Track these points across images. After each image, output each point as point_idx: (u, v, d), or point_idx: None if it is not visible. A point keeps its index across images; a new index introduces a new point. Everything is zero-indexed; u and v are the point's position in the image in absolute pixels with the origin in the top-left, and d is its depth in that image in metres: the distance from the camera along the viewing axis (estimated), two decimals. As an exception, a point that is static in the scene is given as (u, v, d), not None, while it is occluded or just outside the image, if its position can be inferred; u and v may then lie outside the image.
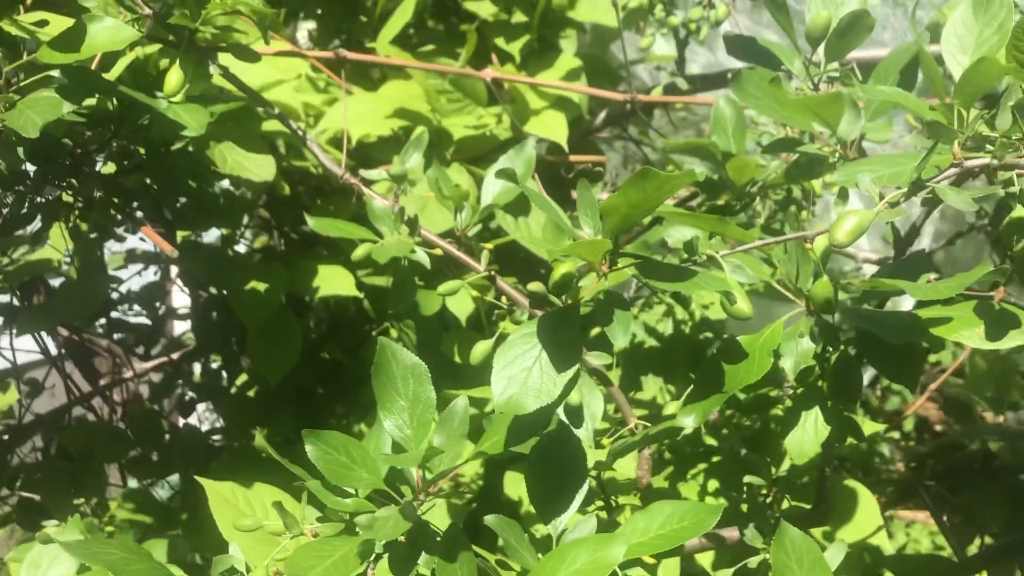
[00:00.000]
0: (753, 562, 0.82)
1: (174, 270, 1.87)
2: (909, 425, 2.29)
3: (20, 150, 0.87)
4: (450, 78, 1.36)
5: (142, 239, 1.73)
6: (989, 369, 1.29)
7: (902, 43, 1.46)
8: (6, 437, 1.65)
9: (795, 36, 0.85)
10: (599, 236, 0.72)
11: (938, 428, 2.51)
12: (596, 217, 0.73)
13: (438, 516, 1.24)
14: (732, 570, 0.82)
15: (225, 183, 1.51)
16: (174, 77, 0.90)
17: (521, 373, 0.68)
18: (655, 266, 0.68)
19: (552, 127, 1.38)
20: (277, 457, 0.76)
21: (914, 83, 0.79)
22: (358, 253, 0.97)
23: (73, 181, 1.11)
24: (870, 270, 1.32)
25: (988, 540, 1.59)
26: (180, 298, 2.48)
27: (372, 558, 0.75)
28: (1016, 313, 0.67)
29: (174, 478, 1.91)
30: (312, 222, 1.00)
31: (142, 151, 1.08)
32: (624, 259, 0.72)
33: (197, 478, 1.04)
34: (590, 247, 0.64)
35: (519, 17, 1.48)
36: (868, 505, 1.03)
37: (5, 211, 1.33)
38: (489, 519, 0.75)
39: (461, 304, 1.38)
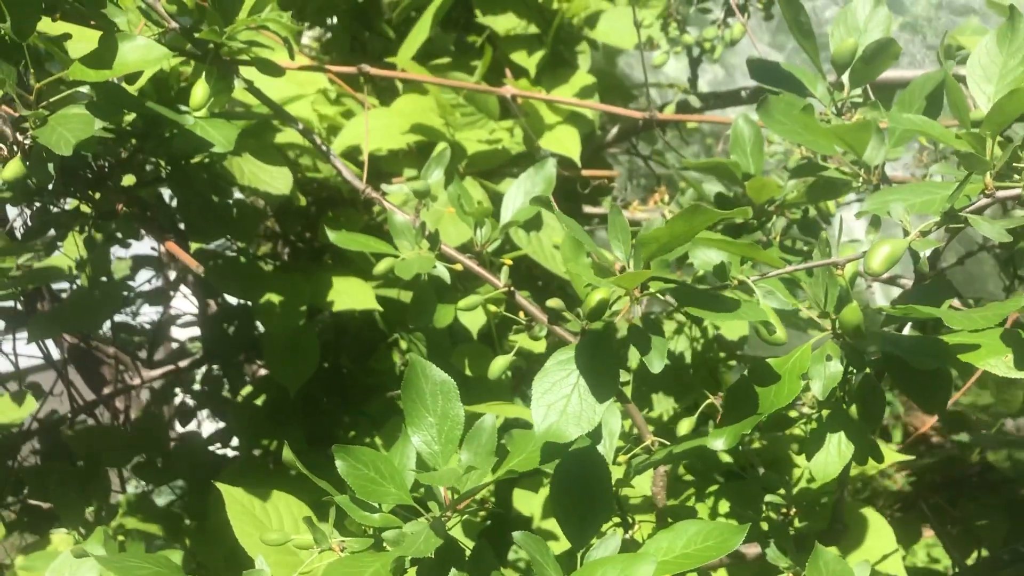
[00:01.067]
0: (776, 581, 0.82)
1: (173, 277, 1.88)
2: (898, 436, 2.30)
3: (50, 166, 0.87)
4: (465, 93, 1.36)
5: (154, 249, 1.74)
6: (993, 379, 1.31)
7: (917, 68, 1.48)
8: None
9: (819, 61, 0.86)
10: (630, 261, 0.73)
11: (935, 440, 2.52)
12: (628, 242, 0.74)
13: (455, 533, 1.24)
14: (754, 589, 0.83)
15: (236, 194, 1.52)
16: (200, 91, 0.90)
17: (560, 400, 0.68)
18: (692, 293, 0.68)
19: (565, 142, 1.39)
20: (304, 471, 0.77)
21: (939, 111, 0.81)
22: (380, 268, 0.97)
23: (93, 194, 1.12)
24: (879, 289, 1.34)
25: (986, 553, 1.60)
26: (180, 305, 2.48)
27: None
28: (1043, 341, 0.69)
29: (174, 483, 1.91)
30: (332, 236, 1.01)
31: (163, 165, 1.08)
32: (655, 283, 0.73)
33: (216, 484, 1.04)
34: (632, 279, 0.65)
35: (533, 30, 1.49)
36: (881, 530, 1.04)
37: (19, 222, 1.34)
38: (517, 536, 0.75)
39: (473, 317, 1.38)
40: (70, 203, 1.25)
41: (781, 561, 0.84)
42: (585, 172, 1.46)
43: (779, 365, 0.73)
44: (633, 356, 1.49)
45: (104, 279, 1.52)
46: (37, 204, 1.14)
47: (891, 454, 1.05)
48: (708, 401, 1.07)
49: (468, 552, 0.76)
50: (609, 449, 0.94)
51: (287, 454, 0.76)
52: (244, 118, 1.00)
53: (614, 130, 1.54)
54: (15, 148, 0.85)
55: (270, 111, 0.95)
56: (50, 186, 1.11)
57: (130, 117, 1.02)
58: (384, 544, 0.74)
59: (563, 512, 0.79)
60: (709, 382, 1.28)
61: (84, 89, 0.88)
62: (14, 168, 0.83)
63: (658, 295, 0.72)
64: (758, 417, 0.69)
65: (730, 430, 0.72)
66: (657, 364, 0.67)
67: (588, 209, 1.51)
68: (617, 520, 1.03)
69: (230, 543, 1.67)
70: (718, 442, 0.72)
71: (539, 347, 1.44)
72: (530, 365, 1.52)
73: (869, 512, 1.04)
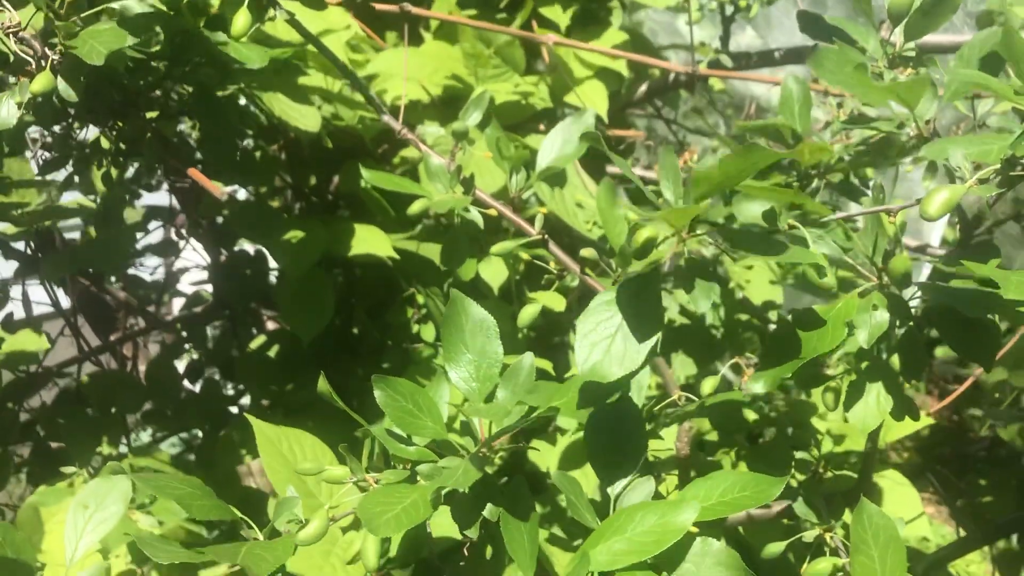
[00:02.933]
0: (808, 536, 0.82)
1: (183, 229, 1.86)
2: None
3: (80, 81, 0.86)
4: (496, 45, 1.35)
5: (169, 190, 1.72)
6: (1008, 352, 1.31)
7: (956, 34, 1.46)
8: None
9: (873, 14, 0.85)
10: (679, 203, 0.72)
11: (939, 420, 2.54)
12: (679, 184, 0.73)
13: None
14: (785, 543, 0.83)
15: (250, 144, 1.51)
16: (241, 19, 0.89)
17: (604, 340, 0.67)
18: (743, 234, 0.67)
19: (593, 97, 1.38)
20: (339, 403, 0.76)
21: (997, 71, 0.79)
22: (415, 207, 0.96)
23: (118, 123, 1.10)
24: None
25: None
26: (189, 258, 2.47)
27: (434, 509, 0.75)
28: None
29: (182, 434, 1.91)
30: (367, 174, 1.00)
31: (189, 91, 1.06)
32: (703, 226, 0.72)
33: (247, 416, 1.03)
34: (680, 214, 0.64)
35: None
36: (904, 494, 1.04)
37: (41, 151, 1.32)
38: (555, 474, 0.75)
39: (495, 272, 1.38)
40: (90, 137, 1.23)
41: (810, 516, 0.83)
42: (611, 131, 1.45)
43: (825, 312, 0.72)
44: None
45: (119, 220, 1.51)
46: (58, 131, 1.13)
47: (924, 418, 1.05)
48: (733, 360, 1.07)
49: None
50: (638, 401, 0.93)
51: (323, 384, 0.75)
52: (277, 46, 0.98)
53: (641, 89, 1.53)
54: (43, 63, 0.84)
55: (303, 43, 0.93)
56: (72, 112, 1.09)
57: (158, 46, 1.00)
58: (419, 478, 0.73)
59: (597, 457, 0.78)
60: (734, 346, 1.28)
61: (116, 5, 0.86)
62: (43, 81, 0.81)
63: (706, 237, 0.72)
64: (799, 361, 0.69)
65: (769, 374, 0.71)
66: (703, 304, 0.66)
67: (611, 169, 1.49)
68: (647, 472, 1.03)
69: (239, 492, 1.67)
70: (756, 385, 0.71)
71: (559, 305, 1.43)
72: (547, 323, 1.52)
73: (893, 475, 1.04)
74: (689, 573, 0.71)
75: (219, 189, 0.97)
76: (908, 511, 1.03)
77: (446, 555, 0.87)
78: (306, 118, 1.16)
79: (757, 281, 1.31)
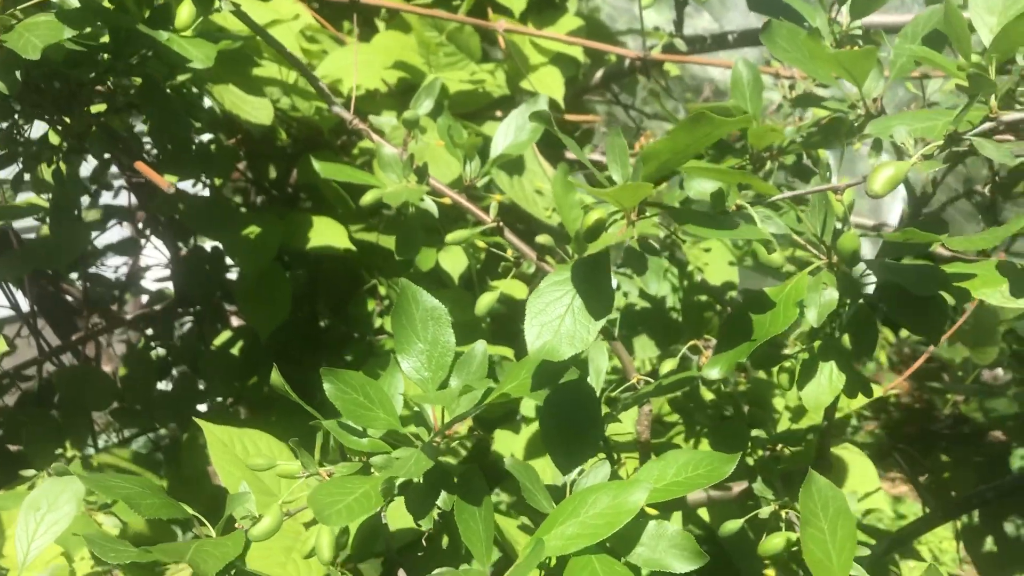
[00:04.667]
0: (764, 512, 0.82)
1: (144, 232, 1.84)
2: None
3: (18, 73, 0.84)
4: (447, 31, 1.34)
5: (127, 187, 1.69)
6: (967, 327, 1.32)
7: (907, 12, 1.47)
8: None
9: (820, -7, 0.85)
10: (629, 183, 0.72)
11: (905, 400, 2.57)
12: (627, 166, 0.72)
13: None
14: (742, 520, 0.83)
15: (207, 136, 1.48)
16: (186, 11, 0.87)
17: (555, 320, 0.67)
18: (690, 213, 0.67)
19: (550, 83, 1.37)
20: (292, 396, 0.75)
21: (941, 48, 0.80)
22: (367, 198, 0.95)
23: (64, 119, 1.08)
24: (864, 243, 1.33)
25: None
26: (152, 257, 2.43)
27: (387, 500, 0.75)
28: (1038, 271, 0.69)
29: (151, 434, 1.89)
30: (318, 166, 0.98)
31: (137, 83, 1.04)
32: (652, 208, 0.72)
33: (197, 420, 1.02)
34: (631, 191, 0.63)
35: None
36: (863, 469, 1.05)
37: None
38: (508, 462, 0.75)
39: (455, 261, 1.37)
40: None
41: (767, 494, 0.84)
42: (568, 116, 1.44)
43: (775, 293, 0.72)
44: (618, 299, 1.49)
45: (72, 217, 1.48)
46: (3, 128, 1.10)
47: (875, 390, 1.05)
48: (692, 342, 1.07)
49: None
50: (596, 385, 0.93)
51: (275, 376, 0.74)
52: (223, 39, 0.96)
53: (597, 75, 1.52)
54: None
55: (250, 34, 0.92)
56: (18, 108, 1.07)
57: (105, 38, 0.98)
58: (372, 470, 0.72)
59: (552, 441, 0.78)
60: (693, 327, 1.28)
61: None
62: (-24, 76, 0.80)
63: (655, 218, 0.71)
64: (753, 344, 0.69)
65: (725, 357, 0.71)
66: (654, 285, 0.66)
67: (570, 156, 1.49)
68: (603, 456, 1.03)
69: (208, 491, 1.66)
70: (713, 371, 0.71)
71: (520, 293, 1.43)
72: (510, 311, 1.51)
73: (851, 452, 1.04)
74: (644, 555, 0.71)
75: (166, 182, 0.95)
76: (867, 484, 1.04)
77: (404, 548, 0.86)
78: (258, 111, 1.15)
79: (715, 263, 1.31)
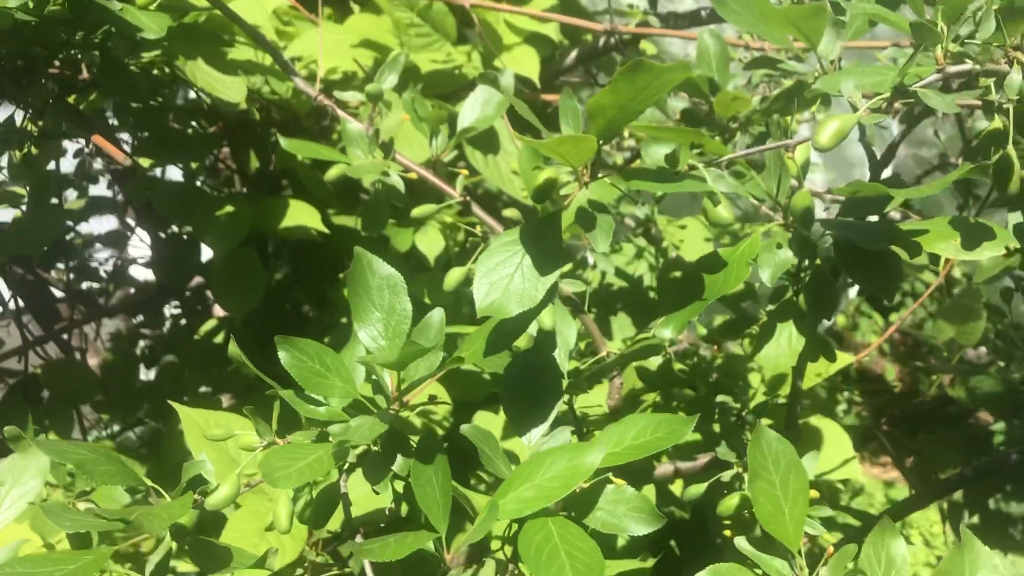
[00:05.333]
0: (726, 475, 0.82)
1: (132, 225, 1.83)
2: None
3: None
4: (419, 10, 1.33)
5: (110, 176, 1.69)
6: (951, 307, 1.32)
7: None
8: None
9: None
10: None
11: (892, 382, 2.57)
12: (578, 126, 0.72)
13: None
14: (705, 484, 0.83)
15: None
16: (144, -17, 0.87)
17: (503, 279, 0.67)
18: (638, 171, 0.67)
19: (524, 63, 1.37)
20: (251, 367, 0.75)
21: (896, 6, 0.79)
22: (332, 173, 0.95)
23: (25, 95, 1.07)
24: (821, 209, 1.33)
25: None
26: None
27: (346, 468, 0.74)
28: (991, 226, 0.68)
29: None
30: (284, 142, 0.98)
31: (97, 58, 1.03)
32: (605, 170, 0.71)
33: (171, 403, 1.02)
34: (574, 144, 0.63)
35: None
36: (838, 440, 1.05)
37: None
38: (465, 428, 0.75)
39: (431, 243, 1.37)
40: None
41: (730, 457, 0.83)
42: (544, 96, 1.44)
43: (727, 254, 0.72)
44: (594, 277, 1.48)
45: (48, 204, 1.48)
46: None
47: (843, 356, 1.05)
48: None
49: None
50: (563, 357, 0.93)
51: (233, 348, 0.74)
52: (182, 10, 0.95)
53: (572, 55, 1.52)
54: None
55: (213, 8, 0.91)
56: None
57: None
58: (330, 439, 0.72)
59: (512, 408, 0.78)
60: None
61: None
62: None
63: (605, 179, 0.71)
64: (704, 302, 0.69)
65: (675, 317, 0.71)
66: (602, 243, 0.66)
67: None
68: (571, 430, 1.03)
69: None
70: (666, 331, 0.71)
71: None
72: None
73: (825, 421, 1.04)
74: (602, 519, 0.70)
75: (121, 154, 0.95)
76: (842, 454, 1.04)
77: (367, 523, 0.86)
78: (230, 89, 1.14)
79: (691, 240, 1.31)
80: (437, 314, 0.76)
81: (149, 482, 0.74)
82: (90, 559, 0.65)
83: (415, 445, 0.72)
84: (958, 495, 1.64)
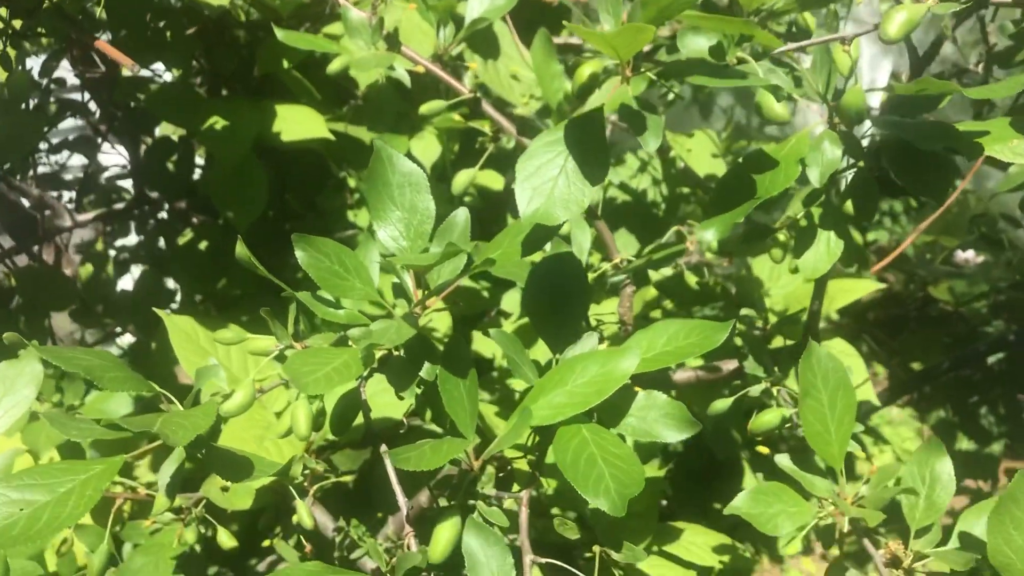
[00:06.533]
0: (756, 390, 0.80)
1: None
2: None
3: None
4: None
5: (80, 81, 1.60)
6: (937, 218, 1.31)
7: None
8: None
9: None
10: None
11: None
12: (619, 15, 0.67)
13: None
14: (732, 399, 0.81)
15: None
16: None
17: (547, 183, 0.62)
18: (692, 65, 0.63)
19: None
20: (260, 269, 0.70)
21: None
22: (335, 65, 0.89)
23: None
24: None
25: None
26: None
27: (366, 373, 0.71)
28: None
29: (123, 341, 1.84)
30: (279, 34, 0.92)
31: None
32: (648, 64, 0.67)
33: (157, 311, 0.98)
34: (629, 35, 0.58)
35: None
36: (852, 364, 1.03)
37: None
38: (493, 332, 0.72)
39: (428, 149, 1.31)
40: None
41: (759, 371, 0.81)
42: (548, -2, 1.37)
43: (776, 151, 0.68)
44: (595, 190, 1.44)
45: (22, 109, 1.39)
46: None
47: (865, 283, 1.03)
48: (675, 228, 1.03)
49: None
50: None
51: (240, 248, 0.70)
52: None
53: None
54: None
55: None
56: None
57: None
58: (349, 343, 0.69)
59: (540, 316, 0.75)
60: (676, 221, 1.24)
61: None
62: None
63: (648, 73, 0.67)
64: (755, 201, 0.65)
65: (721, 219, 0.67)
66: (653, 143, 0.62)
67: (556, 40, 1.42)
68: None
69: (173, 391, 1.62)
70: (707, 233, 0.68)
71: (497, 184, 1.38)
72: (487, 204, 1.46)
73: (837, 342, 1.02)
74: (634, 425, 0.68)
75: (130, 61, 0.88)
76: (856, 378, 1.03)
77: (386, 432, 0.83)
78: (214, -15, 1.06)
79: (699, 152, 1.26)
80: (462, 213, 0.72)
81: (156, 387, 0.70)
82: (101, 468, 0.62)
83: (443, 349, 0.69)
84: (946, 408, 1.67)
